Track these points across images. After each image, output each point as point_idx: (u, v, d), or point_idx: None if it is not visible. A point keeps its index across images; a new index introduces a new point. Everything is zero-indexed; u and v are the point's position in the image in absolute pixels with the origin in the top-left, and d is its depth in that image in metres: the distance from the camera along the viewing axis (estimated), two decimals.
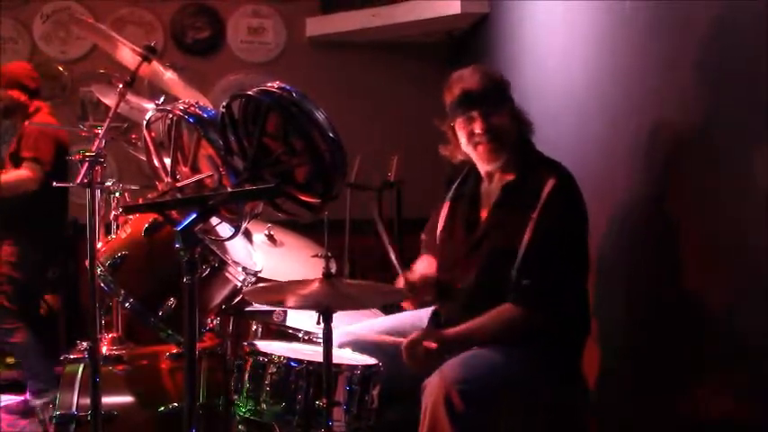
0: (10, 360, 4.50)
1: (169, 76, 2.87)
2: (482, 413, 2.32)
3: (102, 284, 2.69)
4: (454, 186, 2.83)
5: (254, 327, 3.22)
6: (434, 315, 2.80)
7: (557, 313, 2.47)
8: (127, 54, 2.85)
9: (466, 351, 2.47)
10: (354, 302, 2.51)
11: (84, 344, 2.82)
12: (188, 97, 2.70)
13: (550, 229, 2.46)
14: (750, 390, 2.13)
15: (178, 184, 2.44)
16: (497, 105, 2.57)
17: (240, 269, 2.78)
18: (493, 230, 2.59)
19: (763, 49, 2.02)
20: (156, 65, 2.82)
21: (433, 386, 2.33)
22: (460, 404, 2.27)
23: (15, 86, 4.36)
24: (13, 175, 4.20)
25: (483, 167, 2.67)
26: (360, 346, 2.72)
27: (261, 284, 2.73)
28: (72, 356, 2.89)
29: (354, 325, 2.85)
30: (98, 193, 2.70)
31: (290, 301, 2.38)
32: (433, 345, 2.47)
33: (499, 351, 2.45)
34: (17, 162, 4.23)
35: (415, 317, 2.85)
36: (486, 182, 2.69)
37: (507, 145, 2.58)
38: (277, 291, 2.52)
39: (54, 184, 3.59)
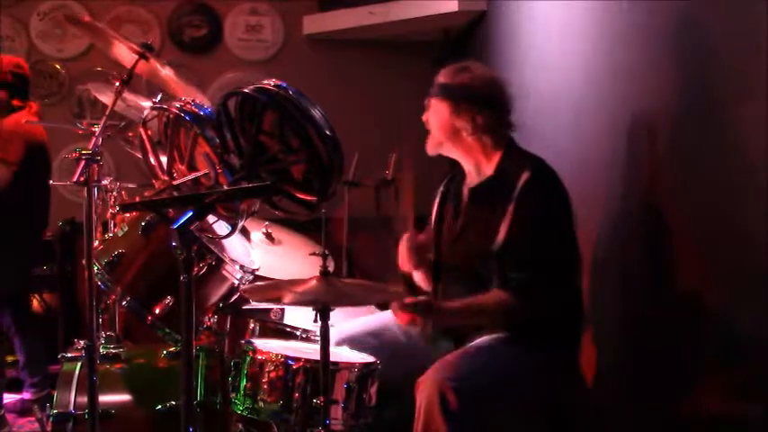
0: (10, 358, 4.49)
1: (166, 73, 2.87)
2: (476, 411, 2.32)
3: (99, 283, 2.69)
4: (444, 182, 2.89)
5: (252, 325, 3.22)
6: None
7: (543, 305, 2.48)
8: (124, 52, 2.85)
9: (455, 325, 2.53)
10: (352, 300, 2.51)
11: (82, 342, 2.82)
12: (185, 95, 2.69)
13: (526, 222, 2.48)
14: (749, 388, 2.13)
15: (175, 182, 2.44)
16: (447, 99, 2.63)
17: (237, 267, 2.77)
18: (469, 225, 2.65)
19: (761, 48, 2.02)
20: (153, 62, 2.82)
21: (427, 383, 2.34)
22: (455, 401, 2.28)
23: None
24: None
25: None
26: (357, 341, 2.72)
27: (258, 282, 2.73)
28: (69, 355, 2.89)
29: (348, 323, 2.85)
30: (95, 191, 2.69)
31: (288, 298, 2.38)
32: (417, 319, 2.53)
33: (494, 348, 2.46)
34: None
35: None
36: (469, 177, 2.73)
37: (438, 136, 2.67)
38: (274, 288, 2.52)
39: (50, 182, 3.58)
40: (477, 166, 2.68)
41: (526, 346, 2.47)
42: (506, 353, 2.45)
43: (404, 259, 2.84)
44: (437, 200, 2.88)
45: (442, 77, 2.68)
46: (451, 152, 2.71)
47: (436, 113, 2.67)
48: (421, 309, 2.52)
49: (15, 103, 4.23)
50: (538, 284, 2.47)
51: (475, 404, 2.32)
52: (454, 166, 2.85)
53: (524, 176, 2.50)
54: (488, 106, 2.63)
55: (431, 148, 2.73)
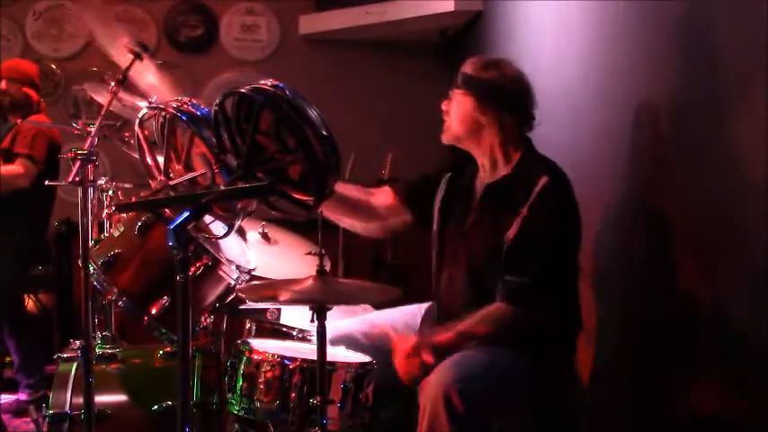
0: (7, 359, 4.48)
1: (149, 80, 2.85)
2: (481, 412, 2.32)
3: (95, 283, 2.68)
4: (446, 178, 2.79)
5: (248, 325, 3.22)
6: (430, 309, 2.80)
7: (544, 310, 2.46)
8: (120, 51, 2.84)
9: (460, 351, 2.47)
10: (348, 300, 2.50)
11: (78, 343, 2.81)
12: (171, 96, 2.68)
13: (538, 226, 2.45)
14: (748, 388, 2.13)
15: (171, 183, 2.43)
16: (472, 93, 2.58)
17: (234, 267, 2.77)
18: (480, 222, 2.60)
19: (760, 46, 2.02)
20: (148, 62, 2.81)
21: (431, 386, 2.32)
22: (460, 404, 2.27)
23: (30, 85, 4.36)
24: (5, 170, 4.17)
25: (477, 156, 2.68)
26: (353, 342, 2.72)
27: (255, 282, 2.73)
28: (65, 355, 2.89)
29: (346, 321, 2.84)
30: (90, 191, 2.69)
31: (284, 298, 2.37)
32: (430, 359, 2.46)
33: (494, 350, 2.45)
34: (9, 158, 4.20)
35: (408, 314, 2.84)
36: (482, 174, 2.69)
37: (458, 128, 2.61)
38: (271, 288, 2.51)
39: (46, 182, 3.59)
40: (493, 163, 2.62)
41: (526, 347, 2.45)
42: (506, 354, 2.44)
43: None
44: (441, 195, 2.77)
45: (468, 69, 2.62)
46: (469, 146, 2.66)
47: (459, 106, 2.60)
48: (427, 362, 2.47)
49: (42, 104, 4.46)
50: (541, 289, 2.44)
51: (480, 406, 2.30)
52: (452, 162, 2.81)
53: (542, 181, 2.45)
54: (515, 108, 2.57)
55: (446, 139, 2.67)
